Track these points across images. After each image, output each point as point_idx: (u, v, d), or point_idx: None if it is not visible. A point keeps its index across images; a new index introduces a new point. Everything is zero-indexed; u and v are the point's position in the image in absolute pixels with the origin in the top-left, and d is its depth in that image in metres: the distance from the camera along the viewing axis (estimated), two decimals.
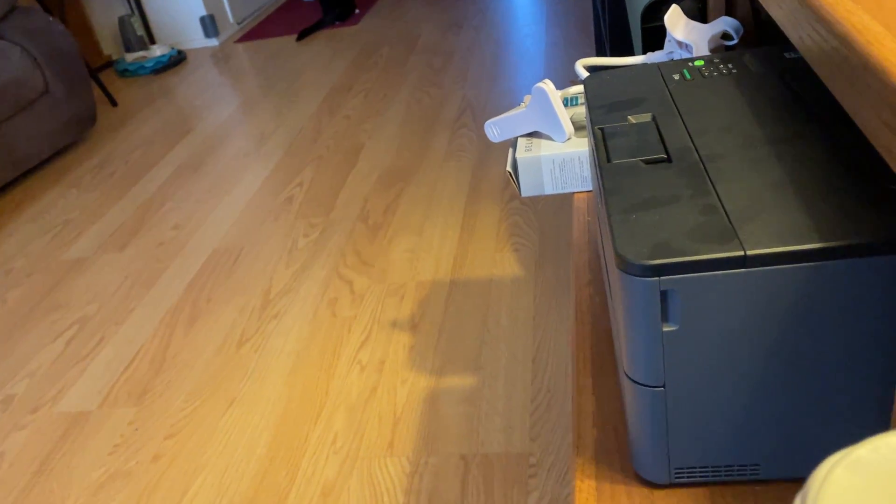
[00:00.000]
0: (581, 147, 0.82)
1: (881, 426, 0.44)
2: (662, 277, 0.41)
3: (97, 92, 3.13)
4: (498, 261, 1.57)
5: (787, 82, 0.57)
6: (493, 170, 1.94)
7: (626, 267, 0.41)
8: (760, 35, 0.86)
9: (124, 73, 3.32)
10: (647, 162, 0.50)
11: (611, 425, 0.54)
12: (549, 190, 0.85)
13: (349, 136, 2.29)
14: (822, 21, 0.45)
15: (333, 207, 1.90)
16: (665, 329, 0.42)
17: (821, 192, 0.43)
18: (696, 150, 0.50)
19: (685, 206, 0.44)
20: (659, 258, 0.40)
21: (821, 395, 0.43)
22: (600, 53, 1.69)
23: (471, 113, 2.30)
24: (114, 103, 2.97)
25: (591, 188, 0.81)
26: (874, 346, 0.41)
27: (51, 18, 2.52)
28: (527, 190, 0.85)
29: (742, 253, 0.39)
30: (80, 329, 1.60)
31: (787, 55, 0.62)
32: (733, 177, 0.46)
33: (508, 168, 0.85)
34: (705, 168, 0.48)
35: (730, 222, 0.42)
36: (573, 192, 0.86)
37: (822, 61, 0.45)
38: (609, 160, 0.52)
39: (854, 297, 0.40)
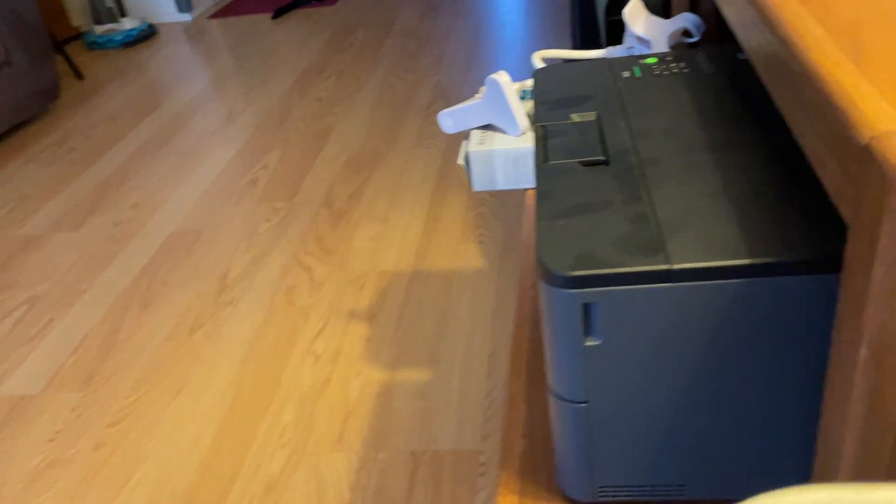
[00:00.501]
0: None
1: (806, 446, 0.42)
2: (585, 290, 0.38)
3: (63, 65, 3.04)
4: (461, 252, 1.55)
5: (735, 85, 0.55)
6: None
7: (548, 277, 0.39)
8: (723, 33, 0.84)
9: (93, 45, 3.23)
10: (585, 164, 0.48)
11: (540, 437, 0.51)
12: (502, 185, 0.82)
13: (319, 118, 2.25)
14: (766, 22, 0.43)
15: (298, 191, 1.86)
16: (587, 343, 0.40)
17: (755, 203, 0.41)
18: (636, 153, 0.48)
19: (616, 212, 0.42)
20: (581, 269, 0.38)
21: (746, 415, 0.41)
22: (574, 46, 1.67)
23: (444, 100, 2.27)
24: (79, 76, 2.89)
25: None
26: (800, 365, 0.39)
27: None
28: (479, 184, 0.82)
29: (667, 266, 0.37)
30: (28, 309, 1.55)
31: (738, 56, 0.60)
32: (669, 183, 0.44)
33: (460, 161, 0.82)
34: (642, 172, 0.46)
35: (659, 232, 0.40)
36: (527, 189, 0.84)
37: (764, 64, 0.43)
38: (546, 160, 0.49)
39: (781, 316, 0.38)
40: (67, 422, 1.24)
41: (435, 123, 2.12)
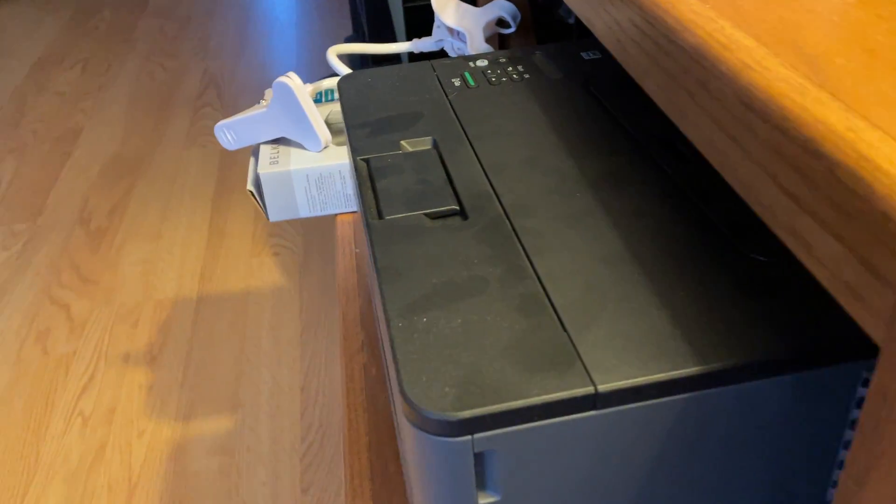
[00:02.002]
0: (342, 158, 0.65)
1: None
2: (476, 435, 0.26)
3: None
4: (255, 268, 1.36)
5: (593, 94, 0.45)
6: (246, 156, 1.70)
7: (420, 421, 0.26)
8: (538, 23, 0.76)
9: None
10: (434, 216, 0.35)
11: (394, 473, 0.39)
12: (305, 212, 0.67)
13: (63, 117, 1.89)
14: (660, 25, 0.33)
15: (43, 210, 1.54)
16: (482, 502, 0.28)
17: (672, 270, 0.31)
18: (497, 198, 0.36)
19: (496, 296, 0.30)
20: (469, 407, 0.25)
21: None
22: (357, 31, 1.52)
23: (215, 89, 2.02)
24: None
25: (356, 208, 0.66)
26: (759, 486, 0.30)
27: None
28: (275, 213, 0.67)
29: (592, 390, 0.26)
30: None
31: (584, 55, 0.50)
32: (552, 243, 0.33)
33: (249, 186, 0.66)
34: (514, 228, 0.34)
35: (563, 328, 0.28)
36: (335, 214, 0.69)
37: (658, 83, 0.33)
38: (381, 215, 0.36)
39: (741, 429, 0.28)
40: None
41: (209, 117, 1.87)
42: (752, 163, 0.26)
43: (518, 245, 0.33)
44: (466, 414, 0.25)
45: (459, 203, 0.36)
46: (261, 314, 1.25)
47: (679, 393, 0.26)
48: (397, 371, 0.27)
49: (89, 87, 2.05)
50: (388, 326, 0.29)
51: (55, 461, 1.01)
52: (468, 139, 0.41)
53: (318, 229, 1.45)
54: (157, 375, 1.14)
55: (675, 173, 0.37)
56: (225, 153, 1.71)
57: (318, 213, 0.66)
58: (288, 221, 1.47)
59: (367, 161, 0.40)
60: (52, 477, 0.99)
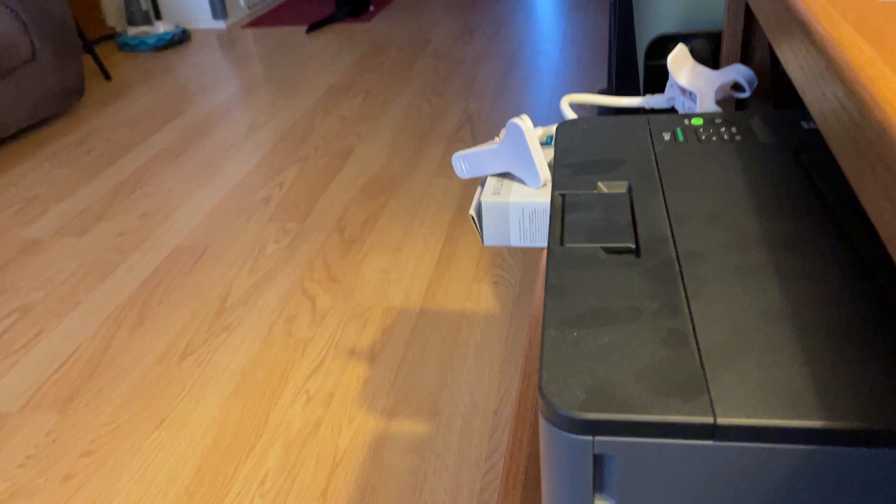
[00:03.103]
0: None
1: None
2: (597, 438, 0.29)
3: (91, 64, 3.02)
4: (474, 293, 1.46)
5: (801, 162, 0.46)
6: None
7: (550, 415, 0.30)
8: (779, 91, 0.75)
9: (124, 46, 3.21)
10: (609, 251, 0.39)
11: None
12: (516, 242, 0.73)
13: (341, 137, 2.18)
14: (855, 98, 0.34)
15: (311, 213, 1.78)
16: (597, 503, 0.31)
17: (827, 334, 0.31)
18: (673, 243, 0.39)
19: (645, 327, 0.33)
20: (594, 410, 0.29)
21: None
22: (610, 83, 1.58)
23: (470, 127, 2.19)
24: (107, 77, 2.86)
25: None
26: None
27: None
28: (490, 238, 0.74)
29: (711, 420, 0.28)
30: (19, 318, 1.48)
31: (804, 125, 0.50)
32: (714, 291, 0.35)
33: (472, 211, 0.73)
34: (681, 271, 0.36)
35: (701, 364, 0.30)
36: (543, 248, 0.75)
37: (845, 148, 0.34)
38: (562, 241, 0.40)
39: (859, 494, 0.28)
40: (41, 447, 1.17)
41: (454, 171, 2.03)
42: None
43: (681, 286, 0.35)
44: (590, 415, 0.29)
45: (636, 242, 0.39)
46: (471, 335, 1.34)
47: (799, 443, 0.27)
48: (540, 371, 0.31)
49: (367, 113, 2.33)
50: (543, 335, 0.33)
51: (280, 427, 1.17)
52: (662, 188, 0.44)
53: (535, 266, 1.51)
54: (373, 371, 1.27)
55: (861, 244, 0.37)
56: (467, 185, 1.85)
57: (528, 244, 0.72)
58: (511, 255, 1.55)
59: (563, 195, 0.45)
60: (276, 440, 1.15)
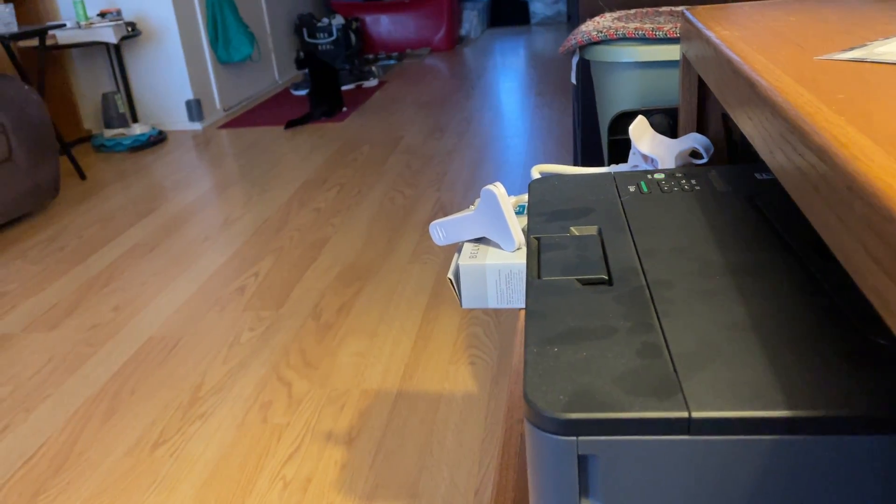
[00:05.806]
0: None
1: None
2: (581, 438, 0.30)
3: (68, 165, 3.06)
4: (451, 374, 1.46)
5: (755, 205, 0.49)
6: None
7: (535, 418, 0.31)
8: (733, 157, 0.80)
9: (100, 148, 3.27)
10: (584, 282, 0.41)
11: None
12: (493, 303, 0.75)
13: (315, 228, 2.21)
14: (797, 132, 0.37)
15: (286, 301, 1.79)
16: None
17: (788, 340, 0.33)
18: (643, 273, 0.41)
19: (620, 342, 0.35)
20: (577, 411, 0.30)
21: None
22: (576, 159, 1.65)
23: (442, 216, 2.24)
24: (83, 177, 2.90)
25: None
26: None
27: (27, 87, 2.48)
28: (468, 301, 0.76)
29: (686, 414, 0.30)
30: None
31: (758, 176, 0.55)
32: (682, 310, 0.37)
33: (450, 275, 0.76)
34: (651, 296, 0.39)
35: (674, 370, 0.32)
36: (520, 309, 0.77)
37: (796, 180, 0.37)
38: (539, 276, 0.42)
39: (827, 480, 0.30)
40: None
41: (432, 239, 2.08)
42: (850, 235, 0.29)
43: (652, 308, 0.38)
44: (573, 415, 0.30)
45: (609, 273, 0.42)
46: (449, 416, 1.33)
47: (769, 433, 0.29)
48: (524, 382, 0.33)
49: (341, 205, 2.38)
50: (525, 352, 0.35)
51: None
52: (630, 230, 0.47)
53: (511, 348, 1.52)
54: (351, 455, 1.25)
55: (816, 270, 0.40)
56: (441, 271, 1.88)
57: (506, 305, 0.74)
58: (488, 336, 1.56)
59: (538, 238, 0.47)
60: None
